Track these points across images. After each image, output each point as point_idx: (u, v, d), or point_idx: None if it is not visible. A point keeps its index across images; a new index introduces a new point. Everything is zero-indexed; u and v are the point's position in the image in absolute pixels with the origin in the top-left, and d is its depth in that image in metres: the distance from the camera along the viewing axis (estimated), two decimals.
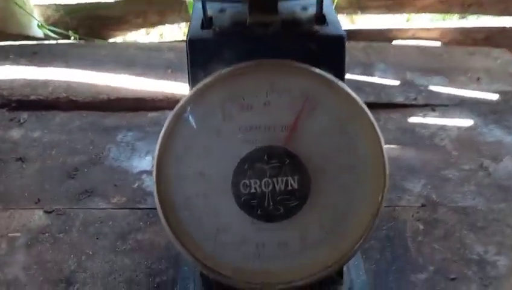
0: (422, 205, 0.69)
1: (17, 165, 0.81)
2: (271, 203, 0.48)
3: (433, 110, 0.91)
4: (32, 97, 1.00)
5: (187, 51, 0.49)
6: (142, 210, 0.69)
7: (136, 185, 0.77)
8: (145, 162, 0.83)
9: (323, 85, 0.44)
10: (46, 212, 0.71)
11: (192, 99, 0.46)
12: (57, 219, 0.69)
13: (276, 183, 0.46)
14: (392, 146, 0.82)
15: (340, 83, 0.46)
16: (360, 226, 0.49)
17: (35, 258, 0.63)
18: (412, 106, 0.91)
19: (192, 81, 0.49)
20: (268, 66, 0.44)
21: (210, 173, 0.47)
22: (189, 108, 0.44)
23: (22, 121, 0.94)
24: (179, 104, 0.47)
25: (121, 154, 0.86)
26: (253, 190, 0.46)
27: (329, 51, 0.45)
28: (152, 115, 0.98)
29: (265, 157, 0.45)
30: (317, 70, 0.44)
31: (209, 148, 0.47)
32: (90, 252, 0.63)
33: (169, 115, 0.47)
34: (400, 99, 0.93)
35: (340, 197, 0.49)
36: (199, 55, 0.47)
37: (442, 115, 0.90)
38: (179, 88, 0.98)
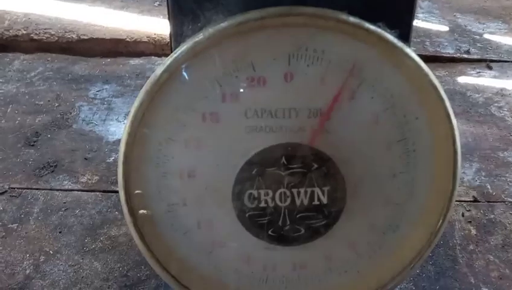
0: (475, 200, 0.57)
1: None
2: (288, 222, 0.35)
3: (489, 67, 0.76)
4: None
5: None
6: (117, 194, 0.56)
7: (112, 158, 0.63)
8: None
9: (377, 50, 0.31)
10: None
11: (175, 67, 0.31)
12: (11, 203, 0.56)
13: (297, 197, 0.35)
14: None
15: (404, 47, 0.31)
16: (408, 248, 0.37)
17: None
18: (463, 60, 0.76)
19: (174, 36, 0.33)
20: (293, 17, 0.30)
21: (202, 174, 0.35)
22: (170, 80, 0.31)
23: None
24: (155, 74, 0.32)
25: (94, 115, 0.70)
26: (263, 204, 0.35)
27: None
28: (134, 62, 0.81)
29: (283, 159, 0.33)
30: (371, 26, 0.30)
31: (201, 141, 0.34)
32: (51, 251, 0.51)
33: (142, 90, 0.32)
34: (448, 50, 0.77)
35: (385, 211, 0.36)
36: None
37: (501, 75, 0.75)
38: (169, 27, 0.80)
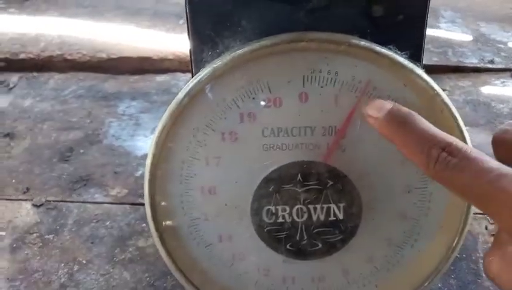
0: None
1: (4, 143, 0.71)
2: (305, 237, 0.35)
3: None
4: (22, 56, 0.87)
5: (186, 11, 0.33)
6: (145, 206, 0.59)
7: (140, 172, 0.66)
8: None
9: (389, 71, 0.32)
10: (34, 205, 0.61)
11: (196, 91, 0.33)
12: (47, 215, 0.59)
13: (314, 212, 0.35)
14: None
15: (415, 68, 0.31)
16: (426, 263, 0.37)
17: (20, 266, 0.54)
18: (487, 70, 0.73)
19: (195, 62, 0.35)
20: (307, 42, 0.31)
21: (222, 191, 0.36)
22: (191, 103, 0.33)
23: (11, 85, 0.82)
24: (178, 97, 0.34)
25: (123, 130, 0.73)
26: (280, 219, 0.36)
27: (403, 18, 0.29)
28: (160, 78, 0.84)
29: (299, 177, 0.34)
30: (382, 49, 0.31)
31: (221, 159, 0.35)
32: (84, 261, 0.54)
33: (165, 112, 0.34)
34: (472, 60, 0.74)
35: (401, 227, 0.36)
36: (203, 21, 0.34)
37: None
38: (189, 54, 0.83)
